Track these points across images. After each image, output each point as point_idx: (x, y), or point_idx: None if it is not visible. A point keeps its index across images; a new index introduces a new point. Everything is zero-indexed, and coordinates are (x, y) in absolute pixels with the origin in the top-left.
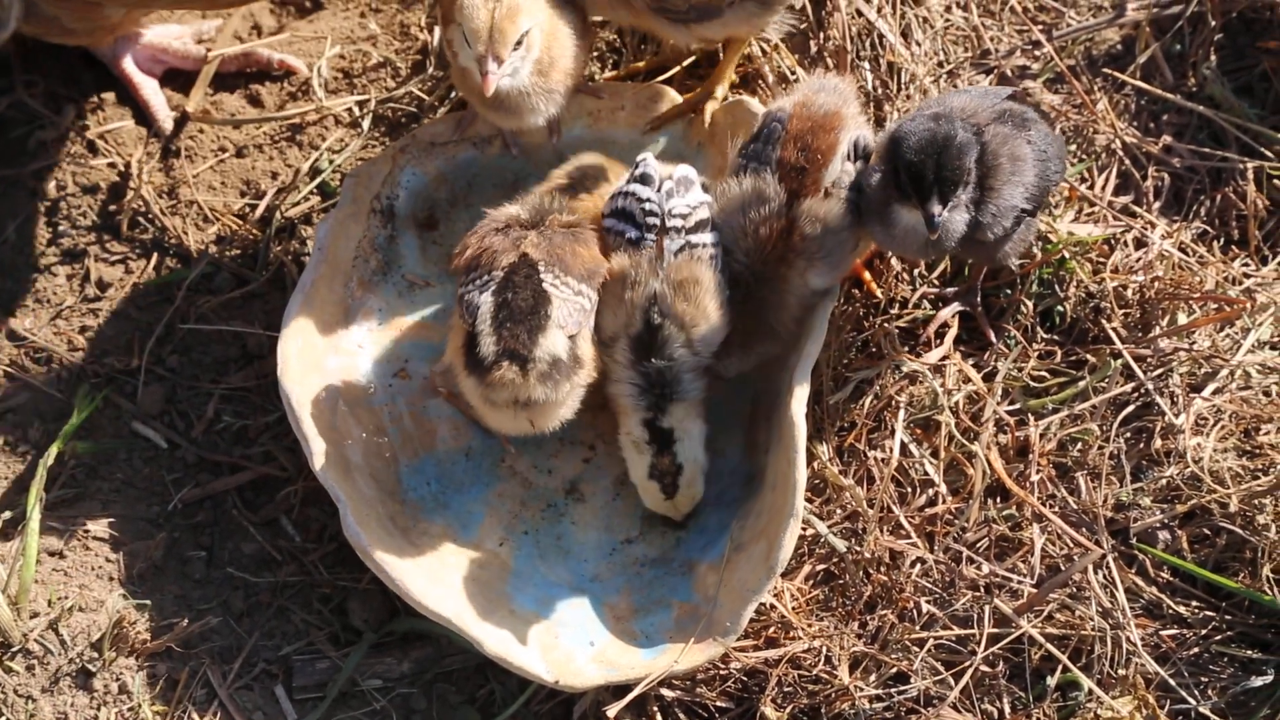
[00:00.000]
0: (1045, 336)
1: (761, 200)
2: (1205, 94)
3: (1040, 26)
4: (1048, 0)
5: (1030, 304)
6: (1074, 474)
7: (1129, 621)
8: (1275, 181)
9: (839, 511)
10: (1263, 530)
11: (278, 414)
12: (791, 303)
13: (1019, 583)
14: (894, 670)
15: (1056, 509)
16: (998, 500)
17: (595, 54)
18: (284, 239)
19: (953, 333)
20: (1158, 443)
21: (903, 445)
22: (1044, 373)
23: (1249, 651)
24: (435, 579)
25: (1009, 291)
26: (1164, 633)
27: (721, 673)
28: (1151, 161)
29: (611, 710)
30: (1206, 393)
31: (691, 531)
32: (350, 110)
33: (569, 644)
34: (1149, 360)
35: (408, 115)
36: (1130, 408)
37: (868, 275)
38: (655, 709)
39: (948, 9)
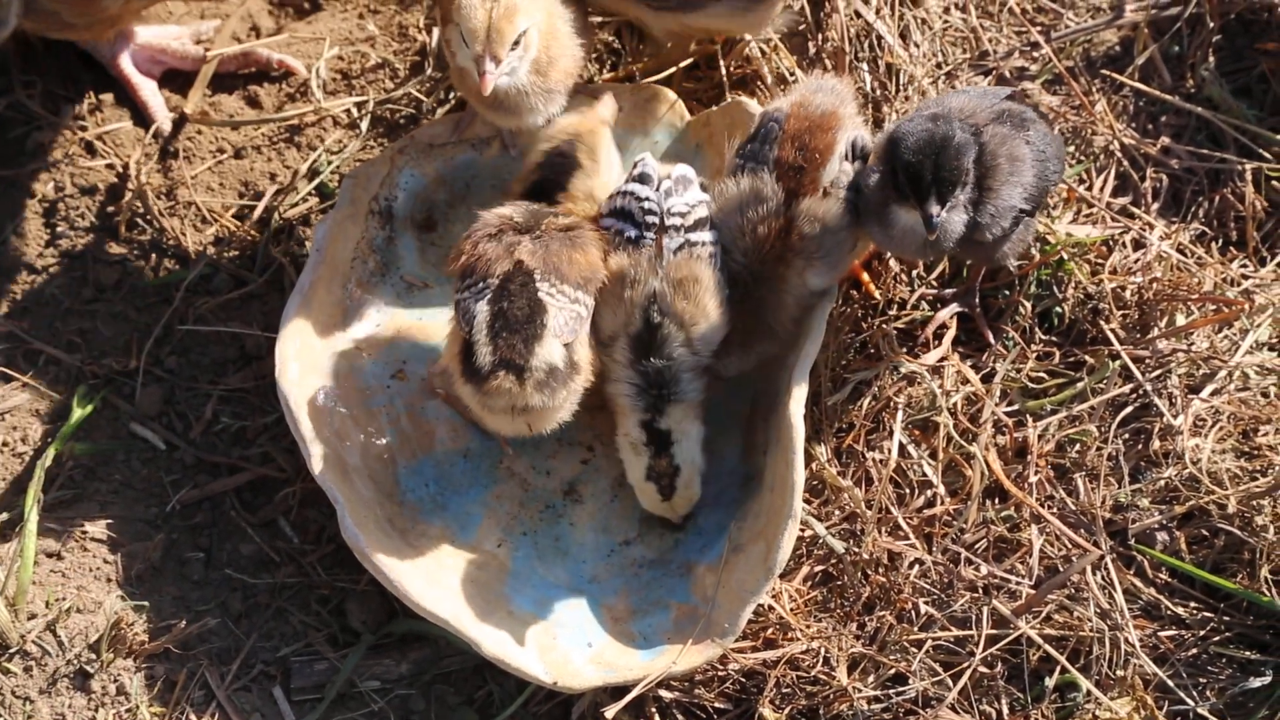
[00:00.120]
0: (1043, 338)
1: (759, 200)
2: (1203, 95)
3: (1039, 28)
4: (1046, 2)
5: (1029, 305)
6: (1072, 475)
7: (1127, 622)
8: (1273, 183)
9: (837, 513)
10: (1261, 531)
11: (276, 415)
12: (790, 302)
13: (1017, 584)
14: (892, 671)
15: (1055, 510)
16: (996, 501)
17: (594, 55)
18: (282, 240)
19: (951, 334)
20: (1156, 444)
21: (901, 446)
22: (1042, 374)
23: (1247, 652)
24: (433, 580)
25: (1007, 293)
26: (1162, 634)
27: (720, 674)
28: (1150, 163)
29: (610, 711)
30: (1205, 394)
31: (690, 533)
32: (349, 111)
33: (567, 645)
34: (1147, 361)
35: (406, 116)
36: (1129, 409)
37: (866, 276)
38: (653, 710)
39: (946, 10)
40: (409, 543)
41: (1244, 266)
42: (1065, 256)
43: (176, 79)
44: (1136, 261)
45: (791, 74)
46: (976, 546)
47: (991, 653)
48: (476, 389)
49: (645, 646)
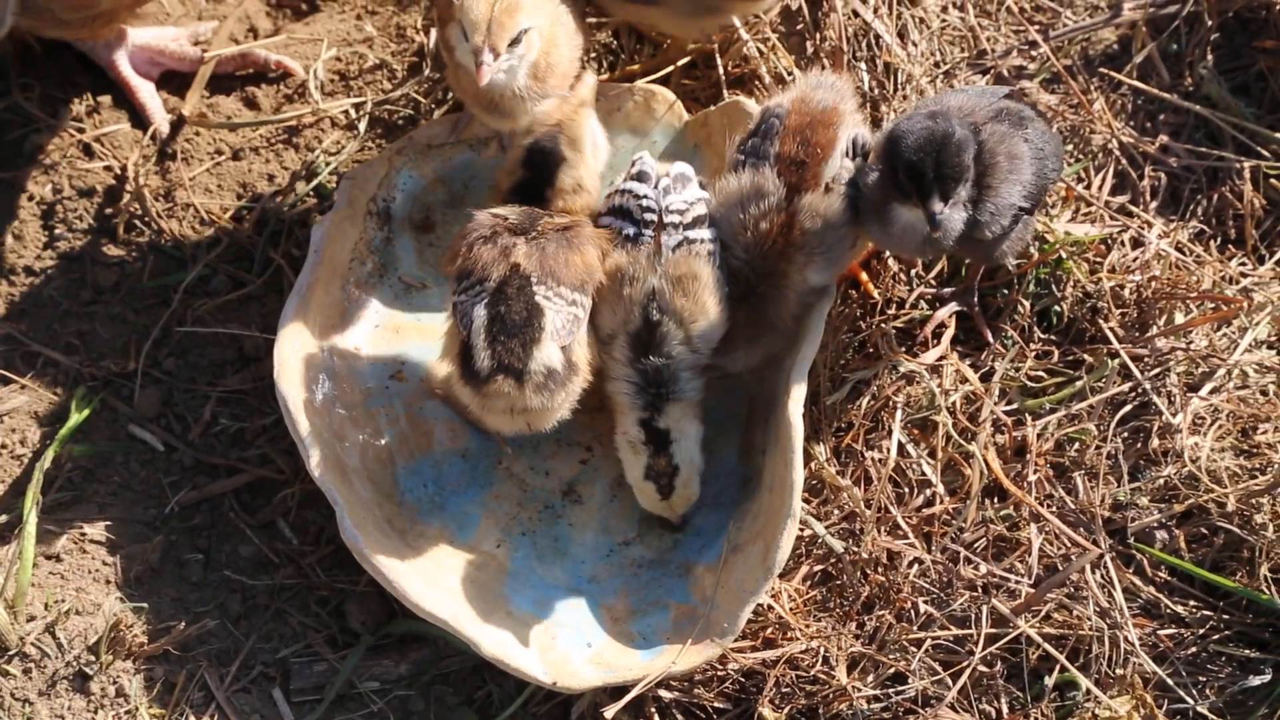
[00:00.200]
0: (1042, 336)
1: (761, 195)
2: (1202, 93)
3: (1037, 26)
4: (1044, 0)
5: (1027, 304)
6: (1071, 474)
7: (1127, 621)
8: (1272, 181)
9: (836, 512)
10: (1260, 529)
11: (274, 416)
12: (792, 299)
13: (1016, 583)
14: (892, 670)
15: (1054, 509)
16: (995, 500)
17: (592, 55)
18: (280, 241)
19: (950, 333)
20: (1155, 442)
21: (900, 446)
22: (1041, 373)
23: (1247, 651)
24: (432, 581)
25: (1006, 291)
26: (1162, 632)
27: (719, 674)
28: (1148, 161)
29: (609, 711)
30: (1204, 392)
31: (689, 533)
32: (346, 112)
33: (566, 645)
34: (1146, 360)
35: (404, 117)
36: (1127, 407)
37: (864, 276)
38: (653, 710)
39: (944, 9)
40: (408, 543)
41: (1242, 265)
42: (1064, 255)
43: (174, 80)
44: (1135, 260)
45: (789, 73)
46: (976, 545)
47: (991, 652)
48: (475, 391)
49: (644, 646)
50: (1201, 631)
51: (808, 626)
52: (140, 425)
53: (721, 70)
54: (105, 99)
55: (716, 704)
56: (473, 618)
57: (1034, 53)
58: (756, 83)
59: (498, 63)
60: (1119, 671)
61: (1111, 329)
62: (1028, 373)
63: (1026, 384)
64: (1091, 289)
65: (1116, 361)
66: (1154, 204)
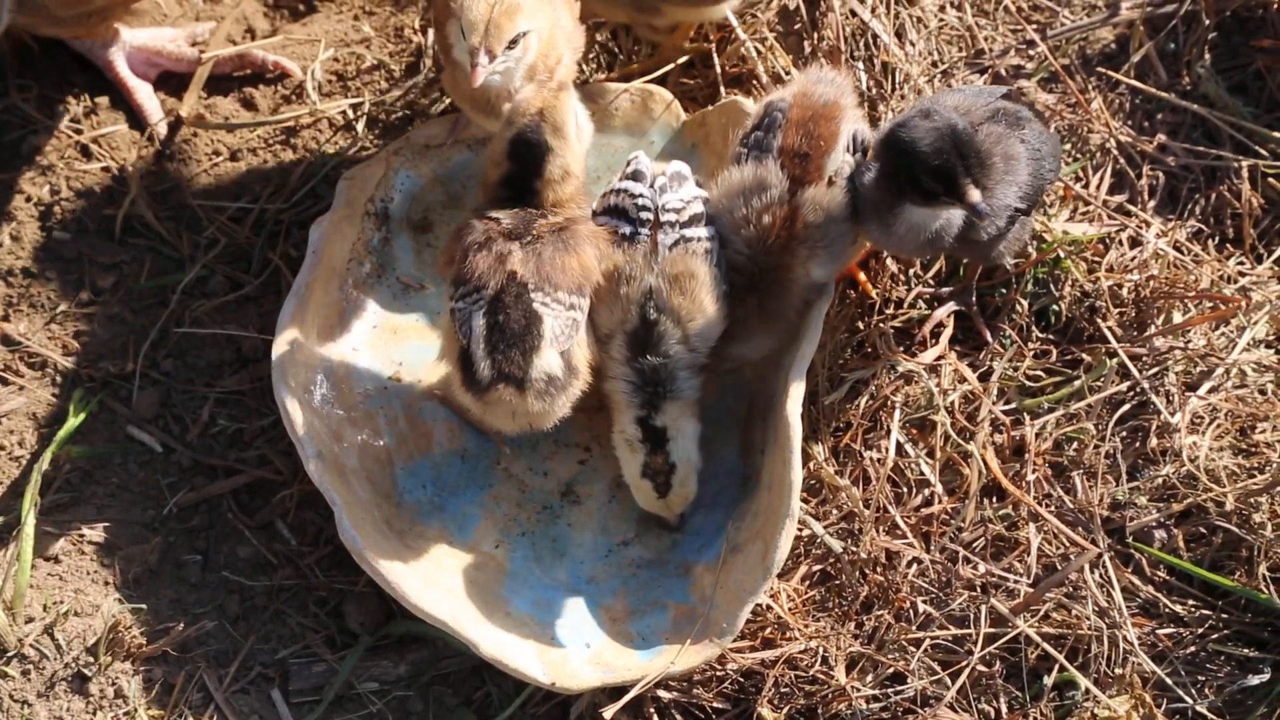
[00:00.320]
0: (1040, 336)
1: (763, 187)
2: (1199, 93)
3: (1034, 26)
4: (1041, 0)
5: (1025, 303)
6: (1070, 473)
7: (1125, 620)
8: (1270, 180)
9: (835, 512)
10: (1259, 528)
11: (273, 417)
12: (795, 293)
13: (1015, 582)
14: (891, 670)
15: (1052, 508)
16: (994, 500)
17: (590, 56)
18: (278, 242)
19: (948, 332)
20: (1153, 441)
21: (898, 445)
22: (1039, 372)
23: (1246, 650)
24: (431, 582)
25: (1004, 291)
26: (1160, 631)
27: (718, 674)
28: (1146, 160)
29: (608, 712)
30: (1202, 391)
31: (688, 533)
32: (344, 113)
33: (565, 646)
34: (1144, 359)
35: (402, 118)
36: (1126, 407)
37: (863, 276)
38: (652, 710)
39: (942, 9)
40: (406, 544)
41: (1240, 264)
42: (1062, 254)
43: (172, 81)
44: (1133, 259)
45: (787, 73)
46: (974, 545)
47: (990, 651)
48: (477, 398)
49: (643, 647)
50: (1200, 631)
51: (806, 626)
52: (138, 426)
53: (719, 70)
54: (103, 100)
55: (715, 704)
56: (471, 618)
57: (1032, 52)
58: (754, 82)
59: (493, 64)
60: (1118, 671)
61: (1110, 328)
62: (1026, 372)
63: (1025, 383)
64: (1090, 288)
65: (1115, 361)
66: (1152, 203)
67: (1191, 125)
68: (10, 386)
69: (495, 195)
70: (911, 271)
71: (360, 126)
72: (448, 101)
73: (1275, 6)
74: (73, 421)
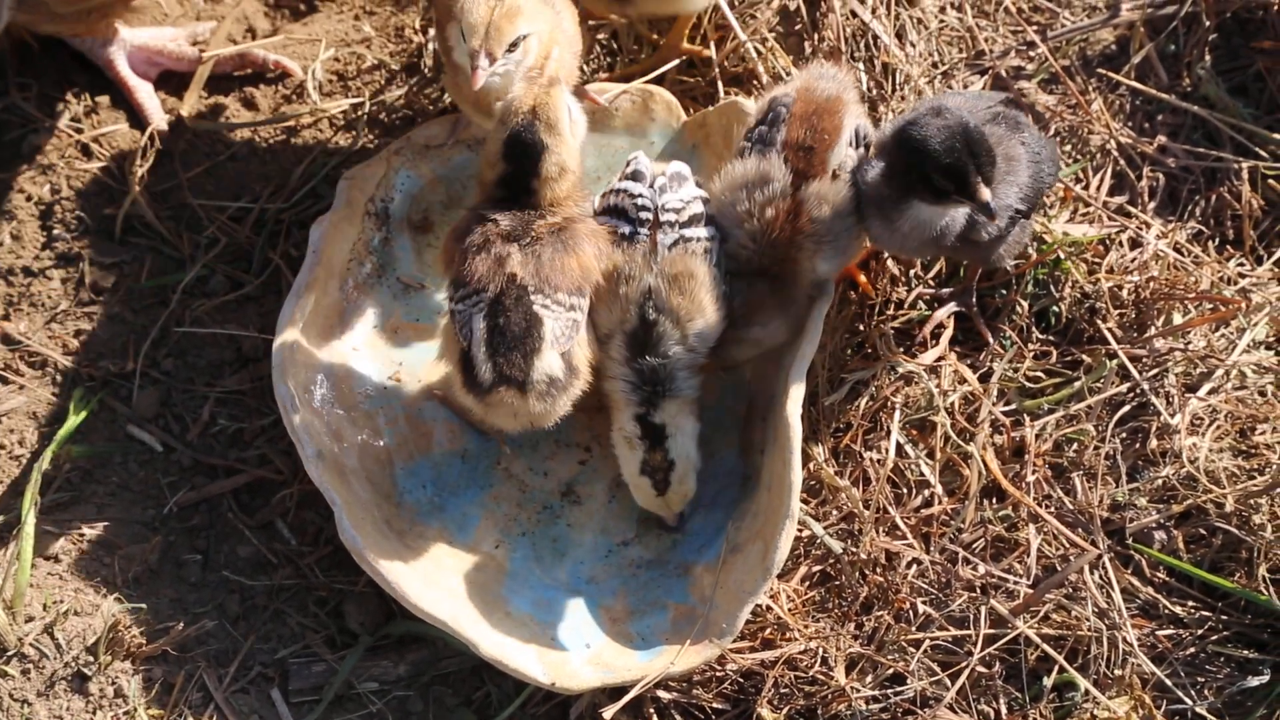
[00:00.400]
0: (1041, 337)
1: (766, 181)
2: (1200, 94)
3: (1035, 27)
4: (1042, 1)
5: (1025, 304)
6: (1070, 474)
7: (1125, 622)
8: (1270, 181)
9: (835, 513)
10: (1258, 530)
11: (273, 417)
12: (806, 281)
13: (1015, 583)
14: (890, 671)
15: (1052, 509)
16: (993, 501)
17: (590, 56)
18: (279, 242)
19: (948, 333)
20: (1153, 443)
21: (898, 446)
22: (1039, 373)
23: (1245, 651)
24: (431, 582)
25: (1004, 292)
26: (1160, 633)
27: (718, 674)
28: (1146, 162)
29: (608, 712)
30: (1202, 393)
31: (687, 533)
32: (345, 113)
33: (565, 646)
34: (1144, 360)
35: (402, 118)
36: (1126, 408)
37: (863, 277)
38: (651, 711)
39: (942, 9)
40: (407, 544)
41: (1241, 265)
42: (1062, 255)
43: (172, 81)
44: (1133, 260)
45: (787, 73)
46: (974, 546)
47: (989, 652)
48: (478, 400)
49: (643, 647)
50: (1200, 632)
51: (806, 627)
52: (139, 426)
53: (718, 70)
54: (103, 99)
55: (715, 704)
56: (472, 618)
57: (1032, 53)
58: (754, 83)
59: (493, 67)
60: (1117, 672)
61: (1110, 329)
62: (1026, 373)
63: (1025, 384)
64: (1090, 289)
65: (1115, 362)
66: (1152, 204)
67: (1192, 126)
68: (10, 386)
69: (492, 195)
70: (912, 273)
71: (360, 126)
72: (448, 101)
73: (1275, 8)
74: (73, 421)
